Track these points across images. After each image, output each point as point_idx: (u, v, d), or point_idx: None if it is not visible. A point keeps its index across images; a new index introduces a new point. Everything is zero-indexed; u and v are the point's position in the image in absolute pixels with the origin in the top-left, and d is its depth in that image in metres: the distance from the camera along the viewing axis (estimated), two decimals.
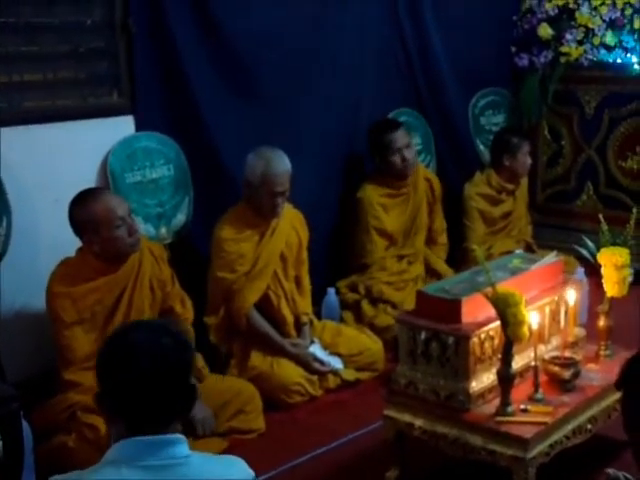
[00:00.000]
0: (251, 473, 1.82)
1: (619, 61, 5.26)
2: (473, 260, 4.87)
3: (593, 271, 4.45)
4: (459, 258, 4.96)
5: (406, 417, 2.91)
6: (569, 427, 2.80)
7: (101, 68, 3.80)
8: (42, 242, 3.53)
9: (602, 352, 3.21)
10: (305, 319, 3.95)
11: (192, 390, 1.78)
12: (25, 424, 2.91)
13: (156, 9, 3.85)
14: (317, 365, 3.80)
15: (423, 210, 4.74)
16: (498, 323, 2.77)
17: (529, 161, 5.08)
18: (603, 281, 3.22)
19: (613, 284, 3.18)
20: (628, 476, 1.81)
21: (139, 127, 3.86)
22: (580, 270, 4.53)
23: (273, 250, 3.85)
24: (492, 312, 2.77)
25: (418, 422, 2.87)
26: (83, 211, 3.23)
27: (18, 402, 2.86)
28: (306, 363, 3.79)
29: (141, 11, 3.81)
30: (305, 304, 3.99)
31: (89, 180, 3.66)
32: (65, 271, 3.29)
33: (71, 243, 3.32)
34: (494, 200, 5.08)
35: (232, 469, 1.79)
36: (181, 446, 1.73)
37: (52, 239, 3.48)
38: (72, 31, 3.70)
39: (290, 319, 3.89)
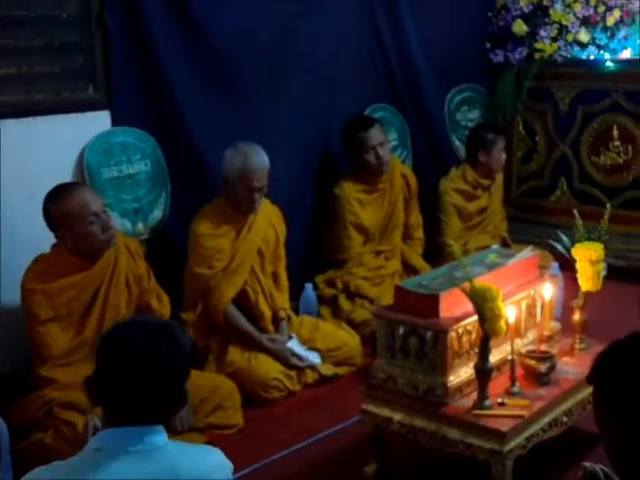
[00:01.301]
0: (228, 463, 1.85)
1: (592, 58, 5.31)
2: (449, 255, 4.90)
3: (567, 265, 4.55)
4: (435, 253, 4.99)
5: (385, 411, 2.92)
6: (545, 420, 2.83)
7: (77, 62, 3.78)
8: (18, 238, 3.49)
9: (577, 346, 3.25)
10: (283, 314, 3.96)
11: (183, 396, 1.81)
12: (1, 421, 2.89)
13: (132, 2, 3.83)
14: (295, 360, 3.81)
15: (399, 206, 4.76)
16: (475, 318, 2.79)
17: (504, 157, 5.12)
18: (578, 276, 3.26)
19: (588, 279, 3.21)
20: (605, 469, 1.82)
21: (115, 122, 3.84)
22: (555, 265, 4.58)
23: (250, 246, 3.85)
24: (469, 307, 2.79)
25: (397, 416, 2.89)
26: (57, 206, 3.21)
27: None
28: (284, 358, 3.79)
29: (117, 5, 3.78)
30: (283, 299, 4.00)
31: (65, 175, 3.64)
32: (40, 267, 3.27)
33: (47, 239, 3.31)
34: (469, 195, 5.11)
35: (209, 457, 1.82)
36: (160, 435, 1.75)
37: (28, 235, 3.45)
38: (47, 25, 3.67)
39: (268, 314, 3.89)
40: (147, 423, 1.74)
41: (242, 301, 3.85)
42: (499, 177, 5.26)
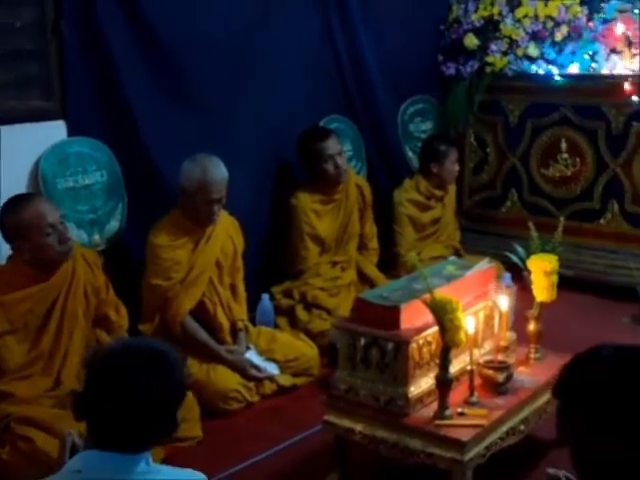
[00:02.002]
0: None
1: (541, 72, 5.42)
2: (403, 265, 4.98)
3: (518, 275, 4.65)
4: (389, 263, 5.04)
5: (346, 422, 2.95)
6: (503, 429, 2.88)
7: (32, 71, 3.74)
8: None
9: (532, 355, 3.31)
10: (241, 325, 3.96)
11: (173, 425, 1.81)
12: None
13: (88, 11, 3.81)
14: (254, 371, 3.81)
15: (355, 216, 4.80)
16: (436, 329, 2.83)
17: (456, 169, 5.19)
18: (532, 286, 3.33)
19: (542, 289, 3.28)
20: (568, 475, 1.88)
21: (71, 132, 3.81)
22: (507, 275, 4.67)
23: (208, 257, 3.84)
24: (429, 318, 2.83)
25: (358, 427, 2.91)
26: (13, 217, 3.18)
27: None
28: (243, 369, 3.79)
29: (73, 13, 3.75)
30: (240, 310, 4.00)
31: (20, 186, 3.59)
32: None
33: (2, 250, 3.26)
34: (423, 206, 5.17)
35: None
36: (142, 462, 1.74)
37: None
38: (1, 33, 3.62)
39: (226, 326, 3.89)
40: (133, 450, 1.73)
41: (200, 312, 3.84)
42: (452, 188, 5.34)
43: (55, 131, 3.76)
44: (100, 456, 1.73)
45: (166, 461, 1.84)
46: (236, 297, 4.00)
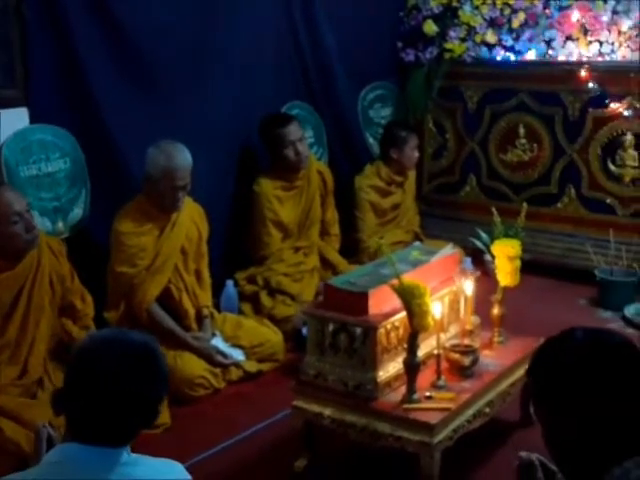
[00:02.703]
0: (189, 477, 1.87)
1: (499, 59, 5.49)
2: (365, 250, 5.03)
3: (478, 260, 4.72)
4: (351, 248, 5.08)
5: (315, 407, 2.98)
6: (470, 412, 2.95)
7: None
8: None
9: (496, 339, 3.38)
10: (206, 312, 3.97)
11: (153, 419, 1.81)
12: None
13: None
14: (220, 358, 3.83)
15: (316, 202, 4.82)
16: (403, 314, 2.88)
17: (416, 155, 5.24)
18: (495, 271, 3.39)
19: (506, 274, 3.35)
20: (541, 458, 1.93)
21: (34, 119, 3.76)
22: (467, 259, 4.74)
23: (174, 244, 3.84)
24: (397, 303, 2.88)
25: (327, 412, 2.95)
26: None
27: None
28: (209, 356, 3.81)
29: None
30: (206, 297, 4.01)
31: None
32: None
33: None
34: (384, 192, 5.22)
35: (171, 471, 1.82)
36: (124, 453, 1.75)
37: None
38: None
39: (192, 312, 3.90)
40: (116, 443, 1.74)
41: (165, 299, 3.84)
42: (412, 174, 5.39)
43: (17, 118, 3.70)
44: (81, 449, 1.72)
45: (134, 448, 1.83)
46: (201, 283, 4.01)
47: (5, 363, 3.21)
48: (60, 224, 3.83)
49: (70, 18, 3.81)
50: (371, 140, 5.60)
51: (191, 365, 3.72)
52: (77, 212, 3.91)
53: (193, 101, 4.38)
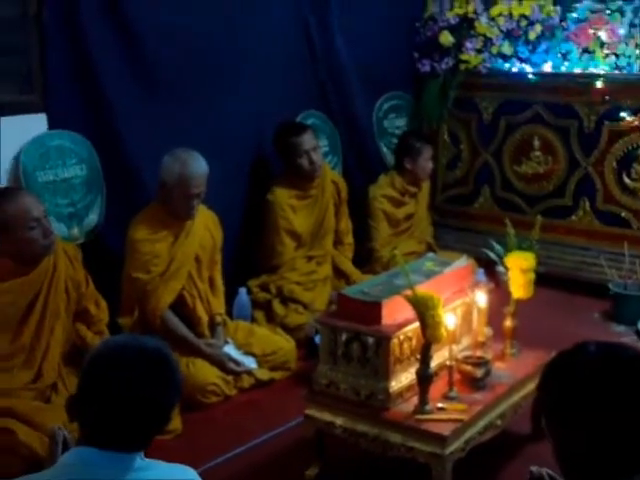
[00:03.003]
0: None
1: (515, 70, 5.49)
2: (378, 260, 5.03)
3: (491, 271, 4.71)
4: (364, 258, 5.09)
5: (327, 416, 2.99)
6: (482, 423, 2.94)
7: (13, 64, 3.71)
8: None
9: (508, 351, 3.38)
10: (219, 319, 3.98)
11: (166, 424, 1.82)
12: None
13: (69, 5, 3.80)
14: (232, 365, 3.84)
15: (330, 212, 4.83)
16: (416, 324, 2.89)
17: (430, 166, 5.24)
18: (509, 283, 3.39)
19: (519, 286, 3.35)
20: (550, 472, 1.93)
21: (52, 125, 3.80)
22: (480, 271, 4.74)
23: (188, 251, 3.86)
24: (410, 314, 2.89)
25: (339, 421, 2.96)
26: None
27: None
28: (221, 363, 3.82)
29: (54, 7, 3.74)
30: (219, 304, 4.02)
31: (1, 178, 3.58)
32: None
33: None
34: (397, 202, 5.22)
35: (186, 475, 1.84)
36: (138, 458, 1.76)
37: None
38: None
39: (205, 319, 3.91)
40: (130, 449, 1.75)
41: (179, 306, 3.85)
42: (425, 184, 5.39)
43: (36, 124, 3.74)
44: (95, 453, 1.74)
45: (145, 454, 1.85)
46: (214, 291, 4.03)
47: (19, 367, 3.23)
48: (75, 230, 3.86)
49: (87, 25, 3.85)
50: (385, 150, 5.62)
51: (203, 372, 3.73)
52: (92, 218, 3.94)
53: (208, 109, 4.40)
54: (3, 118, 3.63)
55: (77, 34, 3.84)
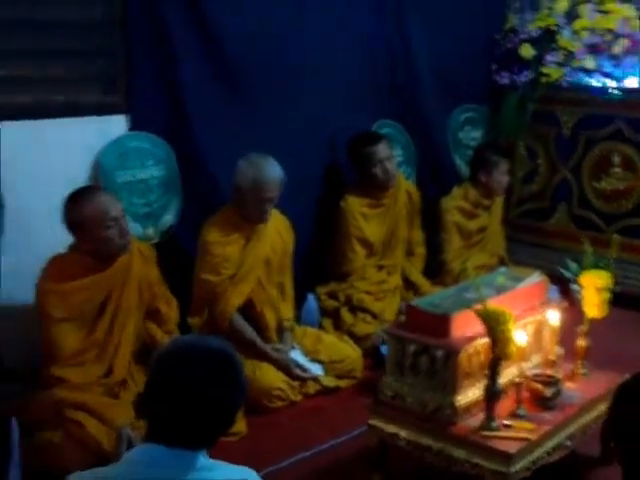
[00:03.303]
0: None
1: (597, 85, 5.39)
2: (449, 272, 4.98)
3: (564, 289, 4.62)
4: (435, 270, 5.05)
5: (391, 428, 2.97)
6: (550, 444, 2.88)
7: (97, 66, 3.81)
8: (33, 238, 3.53)
9: (579, 371, 3.30)
10: (287, 325, 4.00)
11: (232, 423, 1.84)
12: (12, 419, 2.91)
13: (153, 9, 3.88)
14: (298, 371, 3.85)
15: (403, 221, 4.81)
16: (486, 339, 2.85)
17: (506, 179, 5.16)
18: (583, 302, 3.32)
19: (593, 306, 3.28)
20: None
21: (132, 126, 3.88)
22: (553, 288, 4.64)
23: (258, 255, 3.89)
24: (480, 328, 2.84)
25: (403, 433, 2.93)
26: (76, 210, 3.24)
27: (7, 397, 2.87)
28: (287, 368, 3.83)
29: (139, 10, 3.83)
30: (287, 309, 4.04)
31: (81, 177, 3.69)
32: (55, 268, 3.29)
33: (61, 240, 3.33)
34: (470, 214, 5.17)
35: (248, 477, 1.85)
36: (201, 457, 1.78)
37: (43, 235, 3.48)
38: (69, 28, 3.71)
39: (272, 324, 3.93)
40: (194, 447, 1.77)
41: (248, 309, 3.88)
42: (500, 197, 5.32)
43: (117, 125, 3.84)
44: (160, 450, 1.77)
45: (210, 455, 1.87)
46: (283, 296, 4.05)
47: (92, 362, 3.30)
48: (151, 229, 3.93)
49: (170, 29, 3.94)
50: (460, 162, 5.57)
51: (269, 376, 3.75)
52: (168, 218, 4.01)
53: (286, 114, 4.44)
54: (86, 118, 3.72)
55: (160, 37, 3.92)
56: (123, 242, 3.29)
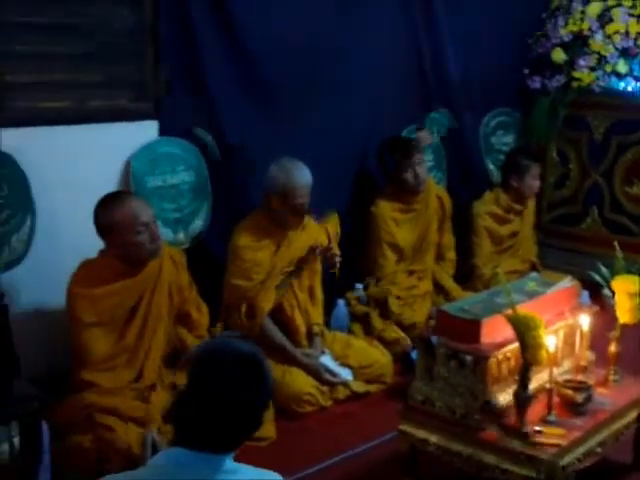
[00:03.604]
0: None
1: (629, 89, 5.33)
2: (480, 277, 4.96)
3: (595, 294, 4.57)
4: (465, 275, 5.02)
5: (421, 433, 2.96)
6: (581, 450, 2.85)
7: (127, 71, 3.84)
8: (63, 242, 3.56)
9: (611, 377, 3.27)
10: (317, 329, 4.00)
11: (258, 426, 1.85)
12: (42, 423, 2.94)
13: (183, 14, 3.91)
14: (328, 376, 3.85)
15: (433, 226, 4.80)
16: (515, 345, 2.83)
17: (537, 184, 5.13)
18: (615, 307, 3.28)
19: (625, 311, 3.24)
20: None
21: (162, 132, 3.91)
22: (585, 293, 4.60)
23: (289, 260, 3.89)
24: (510, 333, 2.82)
25: (433, 438, 2.92)
26: (107, 215, 3.26)
27: (38, 401, 2.90)
28: (317, 373, 3.83)
29: (169, 15, 3.85)
30: (317, 314, 4.04)
31: (112, 183, 3.72)
32: (86, 273, 3.31)
33: (91, 244, 3.35)
34: (502, 219, 5.14)
35: None
36: (227, 460, 1.79)
37: (73, 240, 3.52)
38: (100, 33, 3.73)
39: (302, 329, 3.94)
40: (220, 450, 1.78)
41: (278, 314, 3.89)
42: (531, 202, 5.29)
43: (147, 130, 3.87)
44: (186, 454, 1.78)
45: (238, 460, 1.87)
46: (313, 300, 4.05)
47: (122, 366, 3.32)
48: (181, 234, 3.95)
49: (200, 35, 3.95)
50: (491, 167, 5.54)
51: (299, 381, 3.75)
52: (198, 224, 4.03)
53: (316, 118, 4.44)
54: (116, 124, 3.75)
55: (190, 45, 3.94)
56: (154, 247, 3.30)
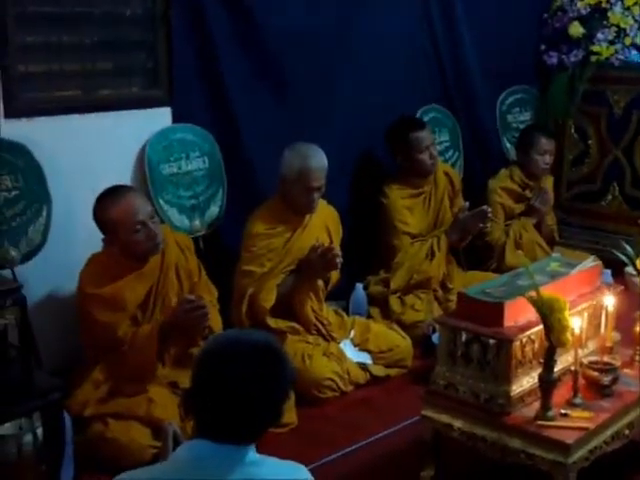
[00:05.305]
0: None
1: None
2: (497, 254, 4.89)
3: (618, 272, 4.51)
4: (481, 252, 4.96)
5: (444, 418, 2.91)
6: (608, 433, 2.80)
7: (139, 59, 3.82)
8: (79, 232, 3.53)
9: (638, 357, 3.21)
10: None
11: (279, 416, 1.81)
12: (65, 415, 2.93)
13: (196, 2, 3.85)
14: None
15: (445, 205, 4.72)
16: (539, 327, 2.78)
17: (545, 159, 5.01)
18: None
19: None
20: None
21: (176, 119, 3.87)
22: (607, 272, 4.53)
23: (303, 246, 3.82)
24: (533, 316, 2.78)
25: (457, 423, 2.88)
26: (104, 211, 3.22)
27: (60, 392, 2.88)
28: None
29: (181, 3, 3.81)
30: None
31: (127, 171, 3.70)
32: (94, 269, 3.26)
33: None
34: (517, 195, 5.06)
35: (297, 473, 1.82)
36: (250, 452, 1.76)
37: (88, 229, 3.48)
38: (111, 22, 3.71)
39: (312, 317, 3.88)
40: (242, 441, 1.75)
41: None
42: (549, 179, 5.22)
43: (161, 118, 3.83)
44: (208, 446, 1.74)
45: (260, 446, 1.84)
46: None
47: None
48: (197, 221, 3.92)
49: (212, 22, 3.91)
50: (508, 145, 5.47)
51: (320, 367, 3.70)
52: (214, 210, 4.00)
53: (329, 104, 4.40)
54: (130, 112, 3.72)
55: (202, 31, 3.90)
56: (150, 245, 3.23)
